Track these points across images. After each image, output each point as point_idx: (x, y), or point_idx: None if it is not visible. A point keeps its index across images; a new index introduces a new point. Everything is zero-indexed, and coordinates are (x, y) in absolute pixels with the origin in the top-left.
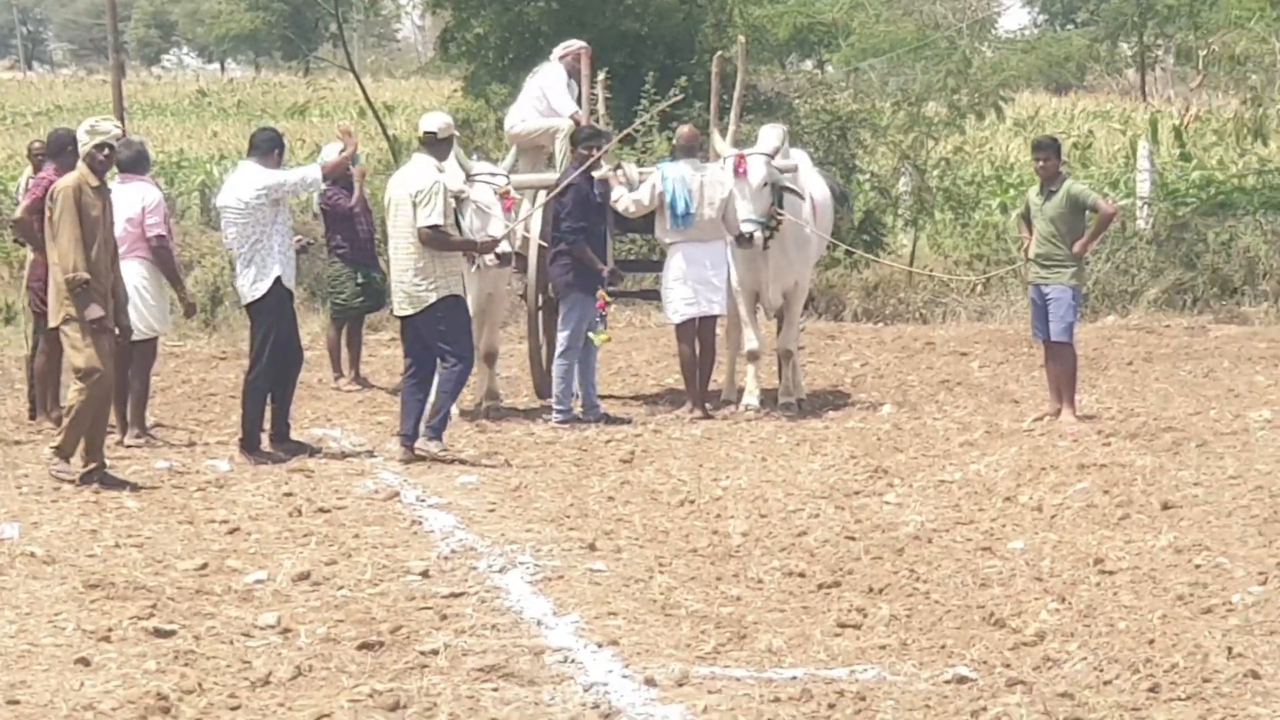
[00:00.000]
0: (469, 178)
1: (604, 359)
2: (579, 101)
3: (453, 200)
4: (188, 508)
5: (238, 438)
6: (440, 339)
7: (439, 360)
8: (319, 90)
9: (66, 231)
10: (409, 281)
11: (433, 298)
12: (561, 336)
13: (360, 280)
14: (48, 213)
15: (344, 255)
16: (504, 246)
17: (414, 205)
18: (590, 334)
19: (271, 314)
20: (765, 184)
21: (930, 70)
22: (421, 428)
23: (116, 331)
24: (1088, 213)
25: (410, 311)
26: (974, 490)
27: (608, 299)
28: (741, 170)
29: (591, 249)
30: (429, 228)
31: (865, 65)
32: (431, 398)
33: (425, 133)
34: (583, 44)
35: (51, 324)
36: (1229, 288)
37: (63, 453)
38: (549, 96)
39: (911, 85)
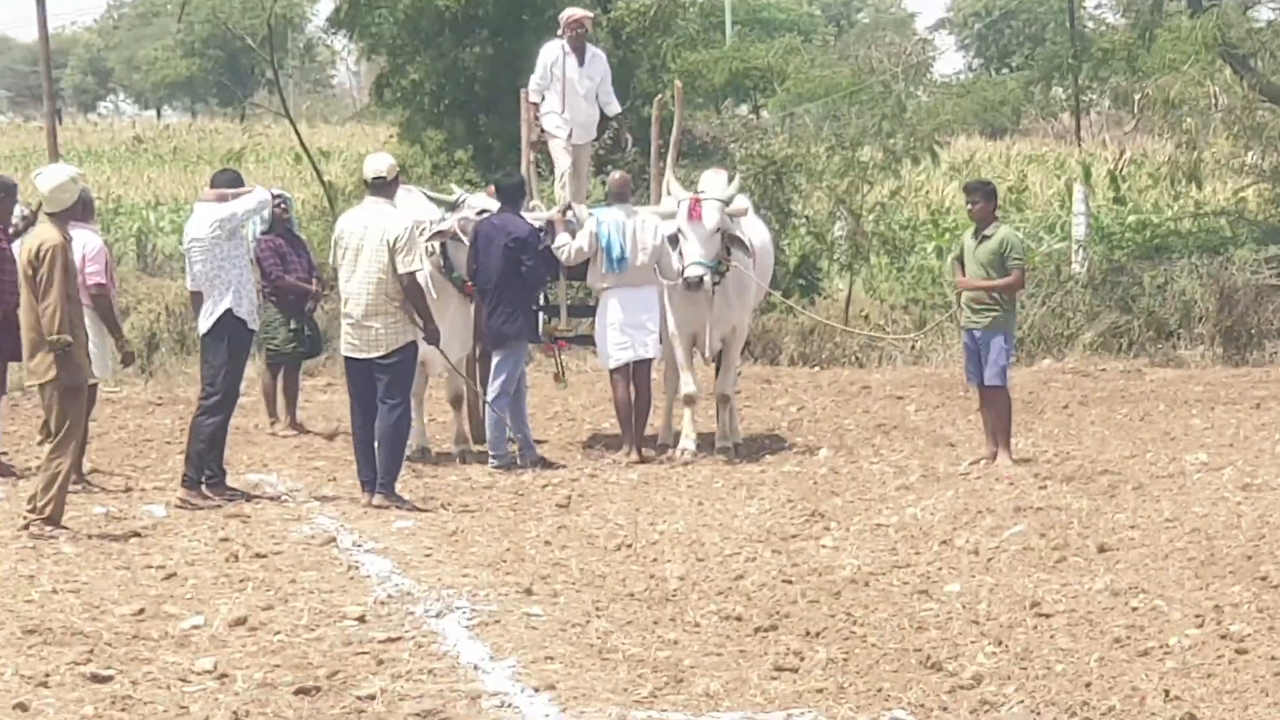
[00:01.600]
0: (454, 206)
1: (540, 404)
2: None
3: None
4: (124, 553)
5: (183, 475)
6: (394, 381)
7: (384, 408)
8: (254, 136)
9: (55, 290)
10: (379, 324)
11: (402, 341)
12: (495, 384)
13: (293, 326)
14: (25, 269)
15: (278, 300)
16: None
17: (390, 250)
18: (558, 382)
19: (220, 344)
20: (717, 230)
21: (865, 115)
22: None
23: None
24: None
25: (376, 354)
26: (910, 534)
27: (558, 338)
28: (696, 214)
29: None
30: (411, 274)
31: (801, 110)
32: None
33: (374, 177)
34: (584, 11)
35: (30, 381)
36: (1165, 331)
37: (54, 520)
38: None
39: (846, 130)
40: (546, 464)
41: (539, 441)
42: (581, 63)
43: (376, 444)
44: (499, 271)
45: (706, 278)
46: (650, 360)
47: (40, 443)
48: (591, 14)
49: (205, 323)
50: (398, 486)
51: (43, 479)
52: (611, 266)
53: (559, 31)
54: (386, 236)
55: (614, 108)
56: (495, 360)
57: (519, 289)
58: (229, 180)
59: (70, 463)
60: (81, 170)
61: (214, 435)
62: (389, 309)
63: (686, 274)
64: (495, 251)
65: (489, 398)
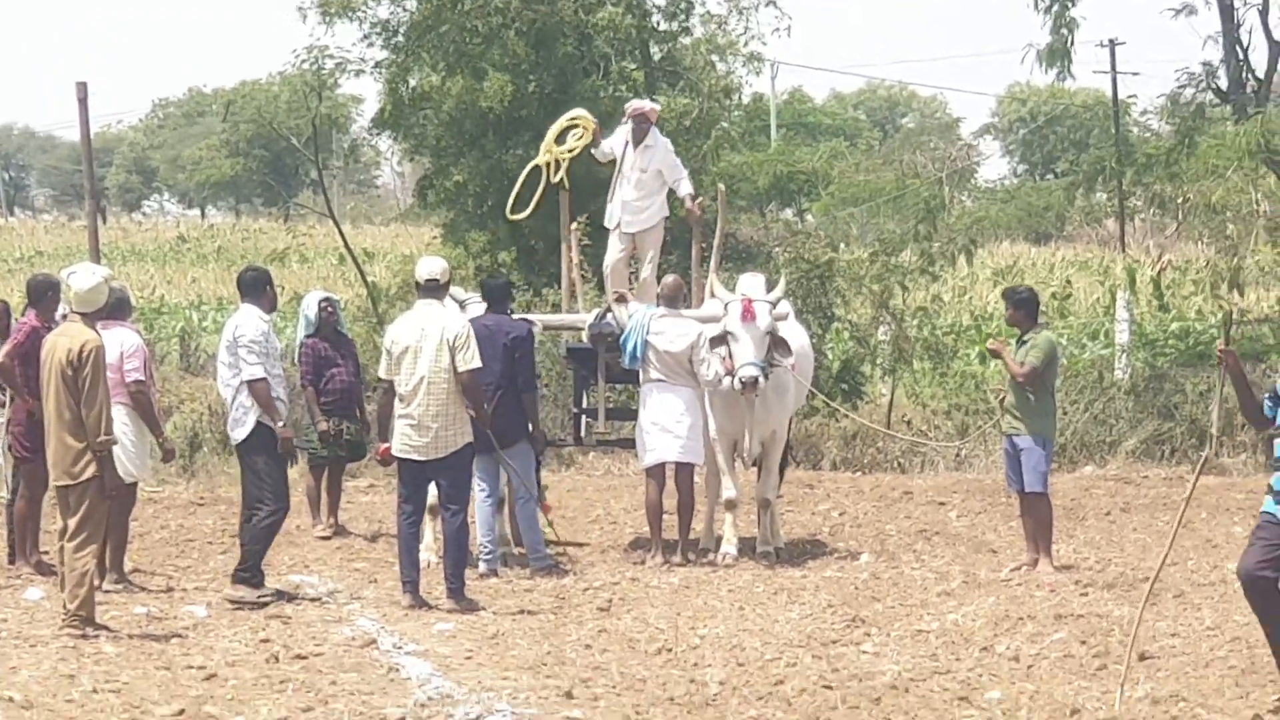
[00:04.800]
0: (462, 306)
1: (581, 507)
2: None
3: None
4: (165, 653)
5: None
6: (453, 486)
7: (446, 514)
8: (299, 236)
9: (101, 393)
10: (440, 426)
11: (461, 443)
12: (516, 485)
13: (332, 430)
14: (64, 369)
15: (320, 404)
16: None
17: (452, 350)
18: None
19: (262, 453)
20: (768, 331)
21: (905, 219)
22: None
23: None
24: (1058, 362)
25: (435, 456)
26: (951, 640)
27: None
28: (750, 315)
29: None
30: (472, 371)
31: (844, 214)
32: (430, 555)
33: (427, 280)
34: (649, 104)
35: (61, 482)
36: (1207, 438)
37: (87, 619)
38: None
39: (887, 233)
40: (558, 569)
41: (580, 544)
42: (636, 149)
43: (442, 550)
44: (499, 372)
45: (760, 378)
46: (692, 464)
47: (62, 546)
48: (656, 105)
49: (236, 433)
50: (433, 586)
51: (72, 579)
52: (628, 362)
53: (623, 119)
54: (446, 336)
55: (684, 187)
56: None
57: (517, 389)
58: (252, 279)
59: (97, 560)
60: (110, 271)
61: (269, 533)
62: (449, 409)
63: (740, 375)
64: (495, 352)
65: (520, 499)
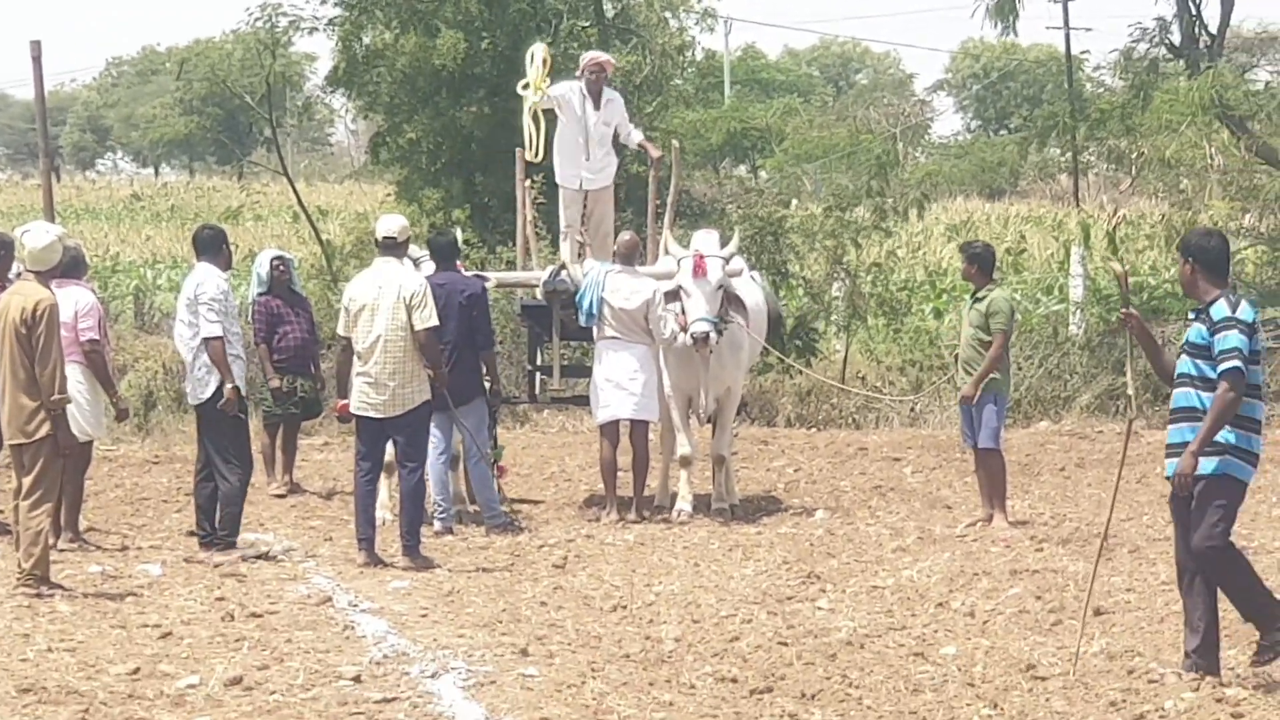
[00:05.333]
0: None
1: (536, 464)
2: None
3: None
4: (120, 612)
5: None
6: (410, 443)
7: (404, 471)
8: (253, 194)
9: (54, 351)
10: (397, 384)
11: (418, 400)
12: (469, 444)
13: (286, 388)
14: (18, 327)
15: (273, 361)
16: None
17: (409, 308)
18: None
19: (225, 415)
20: (720, 286)
21: (858, 175)
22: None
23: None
24: (1014, 319)
25: (393, 414)
26: (906, 596)
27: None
28: (701, 270)
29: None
30: (430, 329)
31: (798, 170)
32: (386, 513)
33: (385, 238)
34: (605, 55)
35: (15, 441)
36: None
37: (42, 578)
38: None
39: (841, 190)
40: (513, 527)
41: (534, 502)
42: (598, 106)
43: (397, 508)
44: (455, 330)
45: (713, 334)
46: (647, 422)
47: (16, 505)
48: (612, 59)
49: (196, 394)
50: (390, 544)
51: (27, 538)
52: (587, 319)
53: (577, 73)
54: (403, 294)
55: (636, 135)
56: (469, 422)
57: (473, 346)
58: (209, 238)
59: (51, 519)
60: (64, 229)
61: (241, 494)
62: (406, 367)
63: (692, 330)
64: (451, 310)
65: (472, 459)
